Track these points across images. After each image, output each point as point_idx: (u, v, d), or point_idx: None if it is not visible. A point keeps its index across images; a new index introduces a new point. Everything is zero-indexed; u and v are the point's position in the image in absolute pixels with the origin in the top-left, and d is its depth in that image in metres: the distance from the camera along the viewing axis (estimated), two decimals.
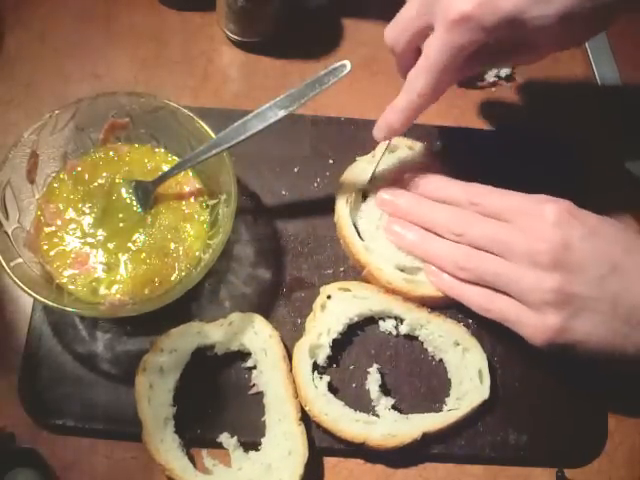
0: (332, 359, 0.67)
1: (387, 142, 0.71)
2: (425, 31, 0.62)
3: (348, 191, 0.72)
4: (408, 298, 0.68)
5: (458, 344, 0.67)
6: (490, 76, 0.83)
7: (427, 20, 0.61)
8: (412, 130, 0.77)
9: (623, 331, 0.60)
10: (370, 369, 0.67)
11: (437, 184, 0.70)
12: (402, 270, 0.70)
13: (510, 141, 0.79)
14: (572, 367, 0.68)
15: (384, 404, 0.65)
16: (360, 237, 0.71)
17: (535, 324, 0.61)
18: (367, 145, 0.75)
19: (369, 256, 0.69)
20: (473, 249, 0.65)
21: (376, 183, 0.73)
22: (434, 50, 0.61)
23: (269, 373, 0.65)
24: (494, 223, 0.64)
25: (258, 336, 0.66)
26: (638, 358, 0.60)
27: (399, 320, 0.68)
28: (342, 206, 0.72)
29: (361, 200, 0.74)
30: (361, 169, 0.74)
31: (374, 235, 0.71)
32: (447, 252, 0.67)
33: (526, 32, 0.60)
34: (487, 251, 0.64)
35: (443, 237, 0.67)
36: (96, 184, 0.69)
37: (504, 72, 0.83)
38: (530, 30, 0.60)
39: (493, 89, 0.84)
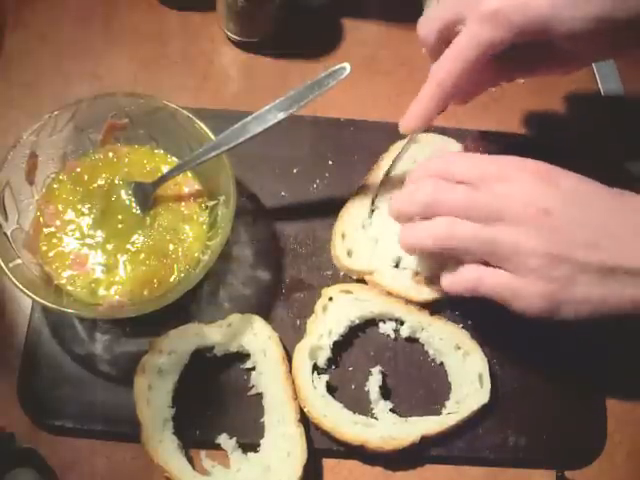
0: (331, 360, 0.67)
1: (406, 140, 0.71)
2: (457, 25, 0.62)
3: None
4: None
5: (459, 348, 0.67)
6: None
7: (459, 14, 0.62)
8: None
9: (617, 288, 0.58)
10: (372, 369, 0.67)
11: (421, 170, 0.67)
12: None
13: (509, 141, 0.79)
14: (572, 368, 0.69)
15: (383, 407, 0.65)
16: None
17: (528, 292, 0.59)
18: (367, 146, 0.76)
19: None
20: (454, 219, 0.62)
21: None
22: (460, 41, 0.61)
23: (268, 374, 0.65)
24: (467, 190, 0.61)
25: (257, 337, 0.66)
26: (635, 313, 0.59)
27: (400, 322, 0.68)
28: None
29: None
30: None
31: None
32: (428, 230, 0.62)
33: (556, 37, 0.60)
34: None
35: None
36: (95, 185, 0.69)
37: None
38: (559, 35, 0.59)
39: (493, 89, 0.84)
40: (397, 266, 0.70)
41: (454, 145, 0.76)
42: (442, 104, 0.64)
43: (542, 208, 0.59)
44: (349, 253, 0.70)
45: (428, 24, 0.64)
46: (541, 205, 0.59)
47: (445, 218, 0.62)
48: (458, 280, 0.63)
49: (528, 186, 0.60)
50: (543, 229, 0.58)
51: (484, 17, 0.59)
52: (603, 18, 0.58)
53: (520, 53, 0.63)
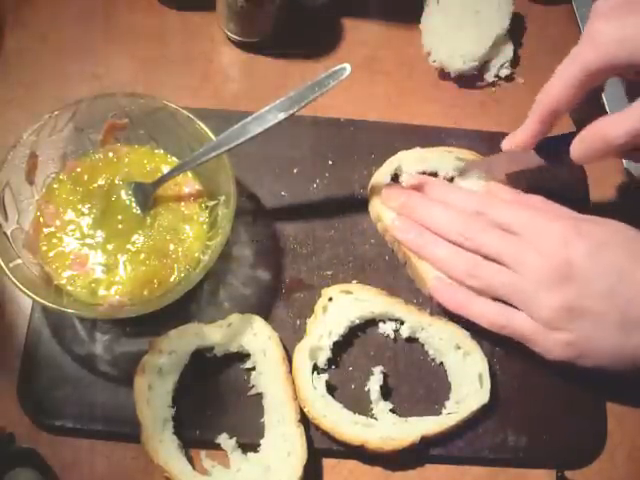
0: (331, 360, 0.67)
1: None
2: None
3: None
4: None
5: (459, 347, 0.67)
6: (490, 76, 0.83)
7: None
8: (412, 132, 0.77)
9: (636, 337, 0.60)
10: (374, 369, 0.67)
11: (443, 189, 0.70)
12: None
13: None
14: (571, 368, 0.68)
15: (382, 407, 0.65)
16: None
17: (549, 340, 0.62)
18: (367, 146, 0.76)
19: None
20: (480, 257, 0.65)
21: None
22: (567, 60, 0.61)
23: (268, 374, 0.65)
24: (502, 233, 0.65)
25: (257, 337, 0.66)
26: None
27: (400, 322, 0.68)
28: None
29: None
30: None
31: None
32: (456, 257, 0.66)
33: None
34: (494, 261, 0.64)
35: (448, 241, 0.67)
36: (95, 185, 0.69)
37: (504, 72, 0.83)
38: None
39: (493, 89, 0.84)
40: None
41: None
42: (547, 122, 0.64)
43: (564, 259, 0.61)
44: None
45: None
46: (563, 256, 0.61)
47: (471, 256, 0.65)
48: (484, 315, 0.65)
49: (555, 237, 0.62)
50: (563, 280, 0.60)
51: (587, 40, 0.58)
52: None
53: None
